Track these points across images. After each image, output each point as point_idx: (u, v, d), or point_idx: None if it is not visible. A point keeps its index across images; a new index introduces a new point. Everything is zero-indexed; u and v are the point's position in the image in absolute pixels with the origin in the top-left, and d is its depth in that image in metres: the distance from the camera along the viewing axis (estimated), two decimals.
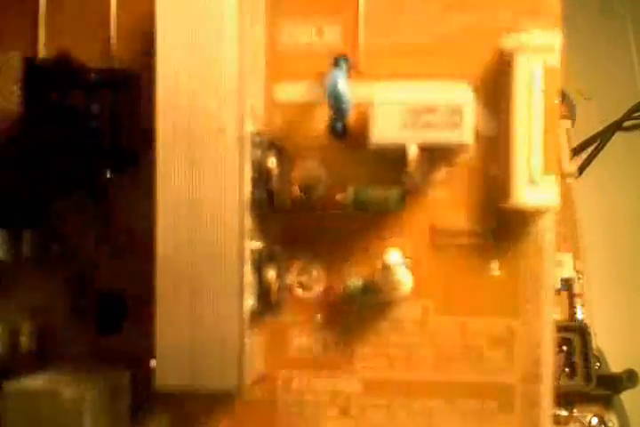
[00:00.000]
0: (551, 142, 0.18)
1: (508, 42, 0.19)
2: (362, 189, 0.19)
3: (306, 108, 0.20)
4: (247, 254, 0.18)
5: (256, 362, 0.19)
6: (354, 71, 0.19)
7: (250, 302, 0.18)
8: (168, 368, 0.17)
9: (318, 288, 0.20)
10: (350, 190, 0.19)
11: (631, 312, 0.36)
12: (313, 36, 0.20)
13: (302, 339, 0.20)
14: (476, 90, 0.19)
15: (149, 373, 0.18)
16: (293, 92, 0.20)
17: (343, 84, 0.17)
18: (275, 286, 0.19)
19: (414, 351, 0.20)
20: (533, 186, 0.18)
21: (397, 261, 0.18)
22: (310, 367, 0.20)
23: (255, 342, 0.19)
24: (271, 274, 0.19)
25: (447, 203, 0.19)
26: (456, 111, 0.18)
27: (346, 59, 0.19)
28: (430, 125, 0.18)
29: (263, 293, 0.19)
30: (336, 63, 0.19)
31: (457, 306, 0.19)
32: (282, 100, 0.20)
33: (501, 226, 0.19)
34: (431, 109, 0.18)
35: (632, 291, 0.37)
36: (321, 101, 0.19)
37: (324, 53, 0.20)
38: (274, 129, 0.19)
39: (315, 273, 0.20)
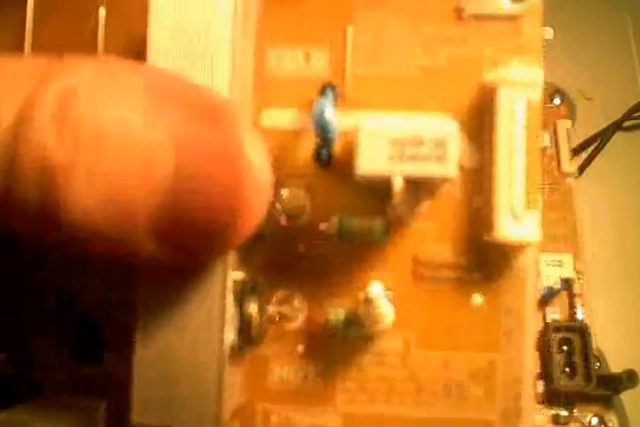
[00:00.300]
0: (533, 177, 0.18)
1: (491, 76, 0.19)
2: (346, 219, 0.19)
3: (292, 136, 0.19)
4: (230, 285, 0.17)
5: (236, 394, 0.19)
6: (341, 100, 0.19)
7: (230, 336, 0.18)
8: (146, 404, 0.17)
9: (300, 319, 0.20)
10: (334, 220, 0.19)
11: (631, 312, 0.36)
12: (300, 62, 0.20)
13: (283, 370, 0.20)
14: (461, 122, 0.19)
15: (128, 405, 0.17)
16: (280, 119, 0.19)
17: (330, 113, 0.17)
18: (256, 320, 0.19)
19: (395, 386, 0.19)
20: (515, 220, 0.18)
21: (379, 294, 0.18)
22: (290, 400, 0.20)
23: (235, 374, 0.19)
24: (252, 307, 0.19)
25: (430, 235, 0.19)
26: (441, 144, 0.17)
27: (333, 87, 0.19)
28: (416, 158, 0.18)
29: (244, 326, 0.18)
30: (323, 91, 0.19)
31: (438, 340, 0.19)
32: (268, 127, 0.19)
33: (484, 259, 0.19)
34: (417, 142, 0.18)
35: (632, 291, 0.37)
36: (308, 129, 0.19)
37: (311, 80, 0.19)
38: None
39: (296, 304, 0.19)
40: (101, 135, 0.14)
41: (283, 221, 0.20)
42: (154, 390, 0.17)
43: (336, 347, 0.20)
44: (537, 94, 0.19)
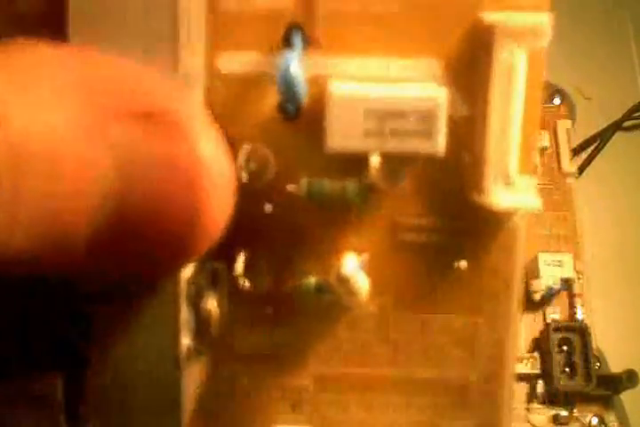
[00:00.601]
0: (529, 139, 0.16)
1: (490, 17, 0.16)
2: (317, 182, 0.17)
3: (254, 83, 0.17)
4: (182, 288, 0.16)
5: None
6: (310, 42, 0.16)
7: (186, 341, 0.17)
8: (104, 411, 0.17)
9: (267, 282, 0.18)
10: (303, 182, 0.17)
11: (631, 312, 0.36)
12: None
13: (252, 334, 0.18)
14: (448, 67, 0.16)
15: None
16: (239, 63, 0.17)
17: (296, 68, 0.15)
18: (216, 316, 0.17)
19: (370, 348, 0.18)
20: (508, 186, 0.16)
21: (354, 271, 0.17)
22: (260, 362, 0.19)
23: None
24: (211, 302, 0.17)
25: (411, 194, 0.17)
26: (427, 117, 0.15)
27: (300, 30, 0.16)
28: (397, 133, 0.15)
29: (203, 326, 0.17)
30: (287, 37, 0.16)
31: (417, 303, 0.18)
32: (226, 73, 0.17)
33: (470, 221, 0.17)
34: (398, 114, 0.15)
35: (632, 291, 0.37)
36: (272, 75, 0.16)
37: (274, 18, 0.17)
38: (216, 104, 0.17)
39: (263, 267, 0.18)
40: (23, 149, 0.12)
41: (244, 178, 0.17)
42: (111, 398, 0.17)
43: (307, 310, 0.18)
44: (542, 44, 0.16)
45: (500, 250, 0.18)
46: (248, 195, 0.17)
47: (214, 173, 0.14)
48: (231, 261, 0.18)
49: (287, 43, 0.16)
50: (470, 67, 0.17)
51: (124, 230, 0.13)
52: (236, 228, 0.17)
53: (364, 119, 0.16)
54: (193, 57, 0.16)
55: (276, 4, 0.16)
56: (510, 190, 0.16)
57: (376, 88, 0.16)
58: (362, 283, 0.17)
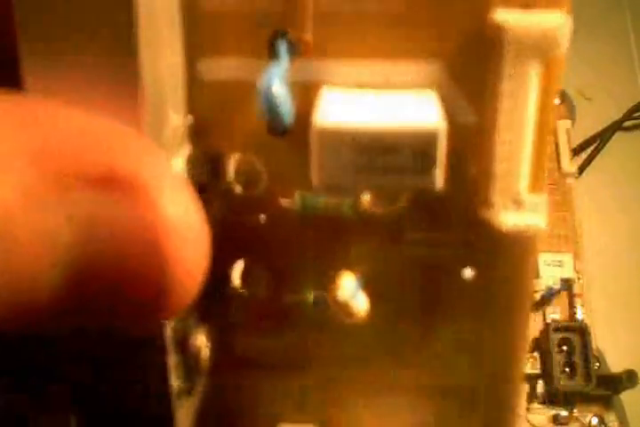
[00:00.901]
0: (542, 153, 0.15)
1: (502, 18, 0.14)
2: (311, 197, 0.16)
3: (240, 90, 0.15)
4: (168, 335, 0.15)
5: None
6: (299, 45, 0.15)
7: (175, 384, 0.16)
8: None
9: (264, 290, 0.17)
10: (297, 196, 0.16)
11: (631, 312, 0.36)
12: None
13: (250, 339, 0.18)
14: (453, 71, 0.15)
15: None
16: (223, 69, 0.15)
17: (279, 88, 0.14)
18: (206, 351, 0.17)
19: (372, 356, 0.18)
20: (516, 205, 0.15)
21: (352, 293, 0.16)
22: (261, 366, 0.18)
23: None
24: (200, 338, 0.17)
25: (414, 208, 0.16)
26: (422, 152, 0.14)
27: (285, 38, 0.15)
28: (389, 169, 0.14)
29: (192, 364, 0.17)
30: (272, 47, 0.15)
31: (421, 313, 0.18)
32: (209, 81, 0.15)
33: (477, 234, 0.16)
34: (390, 149, 0.14)
35: (632, 291, 0.37)
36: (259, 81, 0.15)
37: (258, 19, 0.15)
38: (201, 113, 0.16)
39: (259, 276, 0.17)
40: None
41: (237, 189, 0.16)
42: None
43: (306, 319, 0.17)
44: (561, 49, 0.14)
45: (510, 262, 0.17)
46: (241, 205, 0.16)
47: (183, 230, 0.13)
48: (228, 271, 0.17)
49: (272, 50, 0.15)
50: (477, 71, 0.15)
51: (90, 293, 0.12)
52: (231, 237, 0.17)
53: (352, 155, 0.14)
54: (167, 62, 0.14)
55: (261, 5, 0.15)
56: (518, 209, 0.15)
57: (366, 120, 0.14)
58: (360, 305, 0.17)
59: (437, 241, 0.17)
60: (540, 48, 0.14)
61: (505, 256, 0.17)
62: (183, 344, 0.17)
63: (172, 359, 0.16)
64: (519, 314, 0.18)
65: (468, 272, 0.17)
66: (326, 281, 0.17)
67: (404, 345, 0.18)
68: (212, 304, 0.17)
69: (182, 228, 0.12)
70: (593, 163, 0.39)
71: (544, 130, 0.15)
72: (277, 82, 0.14)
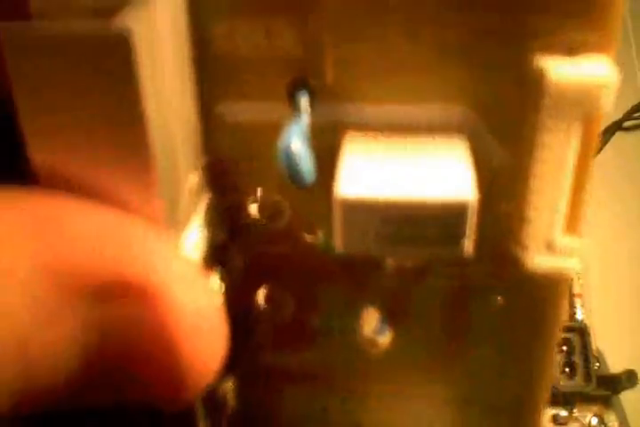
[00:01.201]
0: (579, 196, 0.14)
1: (546, 66, 0.13)
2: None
3: (262, 130, 0.15)
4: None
5: None
6: (320, 89, 0.14)
7: None
8: None
9: (289, 315, 0.17)
10: (321, 235, 0.16)
11: (631, 312, 0.36)
12: (260, 38, 0.14)
13: (276, 356, 0.18)
14: (486, 114, 0.14)
15: None
16: (244, 112, 0.15)
17: (298, 146, 0.13)
18: (232, 396, 0.17)
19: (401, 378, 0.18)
20: (550, 250, 0.14)
21: (377, 330, 0.16)
22: (289, 381, 0.18)
23: None
24: (229, 387, 0.17)
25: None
26: (450, 224, 0.13)
27: (306, 88, 0.14)
28: (416, 239, 0.13)
29: (220, 412, 0.17)
30: (292, 98, 0.14)
31: (448, 342, 0.18)
32: (230, 122, 0.15)
33: (506, 270, 0.15)
34: (416, 221, 0.13)
35: (632, 291, 0.37)
36: (281, 121, 0.14)
37: (277, 63, 0.14)
38: (222, 153, 0.15)
39: (284, 302, 0.17)
40: None
41: (262, 221, 0.16)
42: None
43: (332, 341, 0.17)
44: (604, 108, 0.13)
45: (538, 301, 0.16)
46: (265, 237, 0.17)
47: (196, 323, 0.13)
48: (254, 294, 0.17)
49: (292, 101, 0.14)
50: (513, 116, 0.14)
51: (105, 386, 0.13)
52: (256, 265, 0.17)
53: (377, 225, 0.13)
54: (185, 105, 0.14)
55: (282, 51, 0.14)
56: (552, 253, 0.15)
57: (390, 192, 0.13)
58: (384, 339, 0.17)
59: (465, 274, 0.17)
60: (583, 106, 0.13)
61: (533, 296, 0.16)
62: (209, 394, 0.16)
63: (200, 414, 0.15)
64: (543, 350, 0.17)
65: (497, 299, 0.17)
66: (353, 311, 0.17)
67: (431, 362, 0.18)
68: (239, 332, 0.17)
69: (195, 321, 0.12)
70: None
71: (582, 180, 0.14)
72: (297, 140, 0.13)
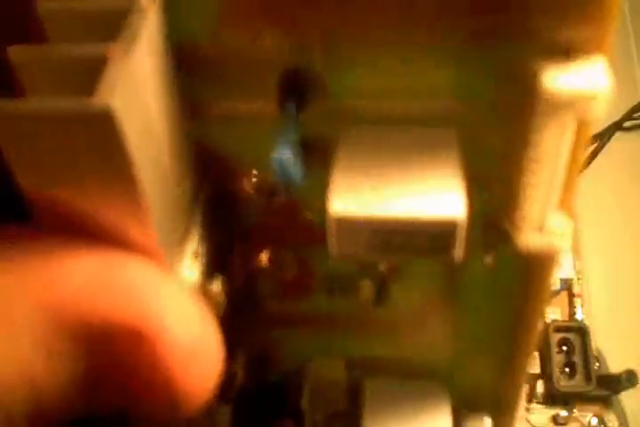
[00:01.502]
0: (572, 179, 0.14)
1: (541, 69, 0.13)
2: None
3: (253, 127, 0.15)
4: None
5: None
6: (316, 89, 0.14)
7: None
8: None
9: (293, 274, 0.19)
10: (317, 214, 0.16)
11: (631, 312, 0.36)
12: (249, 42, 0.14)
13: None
14: (478, 110, 0.14)
15: None
16: (236, 109, 0.15)
17: (289, 156, 0.14)
18: (241, 375, 0.18)
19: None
20: (540, 230, 0.14)
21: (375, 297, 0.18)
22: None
23: None
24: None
25: None
26: (441, 237, 0.13)
27: (296, 90, 0.14)
28: (407, 247, 0.14)
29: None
30: (282, 107, 0.14)
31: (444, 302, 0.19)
32: (221, 119, 0.15)
33: (499, 252, 0.16)
34: (407, 233, 0.14)
35: (632, 291, 0.37)
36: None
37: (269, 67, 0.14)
38: (212, 147, 0.16)
39: (287, 260, 0.18)
40: None
41: (260, 199, 0.17)
42: None
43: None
44: (598, 113, 0.13)
45: (527, 275, 0.16)
46: (265, 209, 0.17)
47: (191, 351, 0.13)
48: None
49: (282, 107, 0.14)
50: (507, 111, 0.14)
51: (104, 405, 0.13)
52: (258, 232, 0.17)
53: (369, 237, 0.14)
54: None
55: (269, 54, 0.14)
56: (542, 233, 0.15)
57: (382, 207, 0.13)
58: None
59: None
60: (576, 112, 0.13)
61: (521, 271, 0.16)
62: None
63: None
64: (530, 317, 0.18)
65: (488, 259, 0.17)
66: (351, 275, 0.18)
67: (426, 306, 0.19)
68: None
69: (190, 349, 0.13)
70: (593, 163, 0.39)
71: (574, 172, 0.14)
72: (287, 151, 0.14)
